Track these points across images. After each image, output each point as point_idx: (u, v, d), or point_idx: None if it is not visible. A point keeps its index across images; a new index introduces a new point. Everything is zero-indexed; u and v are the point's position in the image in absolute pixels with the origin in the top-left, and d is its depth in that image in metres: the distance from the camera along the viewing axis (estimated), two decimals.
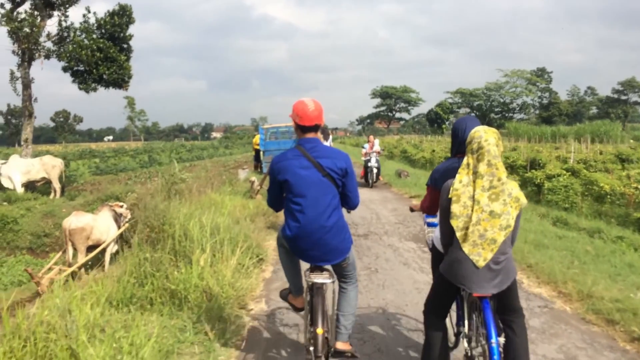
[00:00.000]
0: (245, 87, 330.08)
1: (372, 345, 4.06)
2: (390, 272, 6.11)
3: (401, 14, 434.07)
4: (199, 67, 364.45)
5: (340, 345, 3.30)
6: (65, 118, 67.06)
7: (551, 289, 5.24)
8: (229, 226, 6.71)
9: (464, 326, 3.12)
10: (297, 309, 3.68)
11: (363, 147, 15.75)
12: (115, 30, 17.64)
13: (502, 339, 2.78)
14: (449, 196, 2.80)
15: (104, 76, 17.51)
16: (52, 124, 71.25)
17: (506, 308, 2.87)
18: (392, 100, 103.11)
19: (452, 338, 3.51)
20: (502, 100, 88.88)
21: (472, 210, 2.68)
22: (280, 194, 3.33)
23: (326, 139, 19.83)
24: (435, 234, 3.47)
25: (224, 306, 4.69)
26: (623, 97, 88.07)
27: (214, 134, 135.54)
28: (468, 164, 2.78)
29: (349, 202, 3.34)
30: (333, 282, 3.27)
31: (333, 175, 3.15)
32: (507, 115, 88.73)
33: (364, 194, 12.83)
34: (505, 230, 2.65)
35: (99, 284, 4.88)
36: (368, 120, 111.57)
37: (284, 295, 3.78)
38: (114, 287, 4.98)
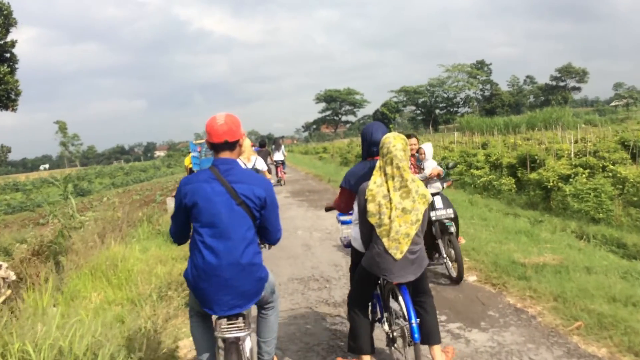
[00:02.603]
0: (188, 102, 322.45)
1: None
2: None
3: (337, 19, 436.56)
4: (138, 86, 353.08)
5: None
6: None
7: None
8: (101, 338, 3.52)
9: (385, 311, 3.35)
10: None
11: None
12: None
13: (418, 319, 2.97)
14: (365, 197, 2.99)
15: None
16: None
17: (418, 291, 3.15)
18: (337, 103, 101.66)
19: None
20: (445, 96, 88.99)
21: (387, 208, 2.91)
22: (186, 222, 2.73)
23: (278, 149, 17.40)
24: (351, 232, 3.54)
25: None
26: (561, 84, 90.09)
27: (157, 153, 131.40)
28: (380, 167, 3.02)
29: (269, 236, 2.83)
30: (249, 334, 2.68)
31: (249, 204, 2.62)
32: (451, 109, 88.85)
33: (314, 219, 9.68)
34: (415, 225, 2.91)
35: None
36: (314, 126, 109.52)
37: None
38: None
